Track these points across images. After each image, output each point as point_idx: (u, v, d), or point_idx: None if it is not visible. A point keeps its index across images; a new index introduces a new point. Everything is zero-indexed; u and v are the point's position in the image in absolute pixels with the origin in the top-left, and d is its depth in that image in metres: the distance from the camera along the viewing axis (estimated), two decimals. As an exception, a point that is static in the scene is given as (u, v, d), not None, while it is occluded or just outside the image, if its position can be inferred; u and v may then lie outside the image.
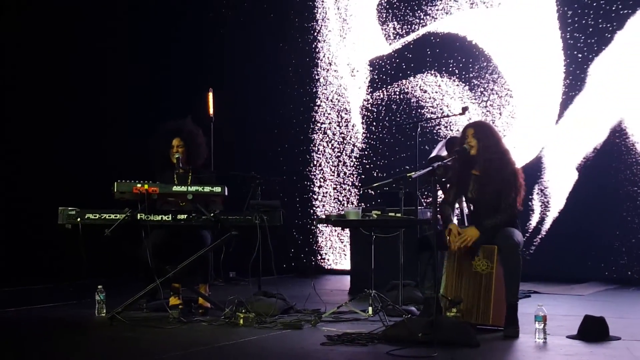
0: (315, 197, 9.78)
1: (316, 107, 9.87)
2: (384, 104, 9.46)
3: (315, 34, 9.92)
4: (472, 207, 5.25)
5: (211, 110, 8.46)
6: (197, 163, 6.25)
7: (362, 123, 9.59)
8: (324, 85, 9.85)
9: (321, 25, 9.90)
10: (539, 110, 8.42)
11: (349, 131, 9.66)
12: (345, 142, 9.67)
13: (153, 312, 5.79)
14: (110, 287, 5.97)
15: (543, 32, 8.45)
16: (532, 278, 7.51)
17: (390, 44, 9.36)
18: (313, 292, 6.23)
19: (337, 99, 9.76)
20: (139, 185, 5.48)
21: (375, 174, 9.16)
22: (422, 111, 9.00)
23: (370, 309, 5.54)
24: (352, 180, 9.57)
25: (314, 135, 9.87)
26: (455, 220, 5.24)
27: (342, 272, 9.02)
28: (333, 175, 9.68)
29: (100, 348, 4.70)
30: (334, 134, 9.76)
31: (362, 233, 6.17)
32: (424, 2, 9.16)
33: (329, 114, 9.80)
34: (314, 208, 9.74)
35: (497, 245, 4.91)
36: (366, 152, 9.51)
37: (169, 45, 10.15)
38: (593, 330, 4.62)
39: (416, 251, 5.20)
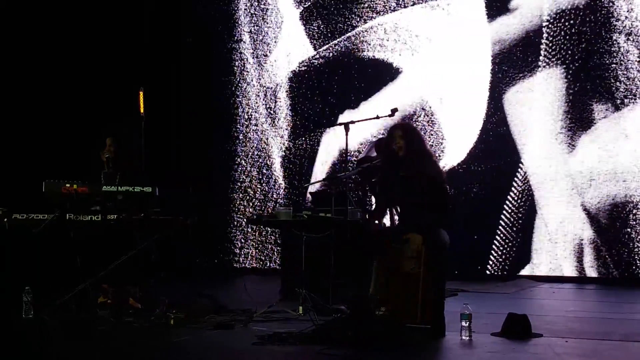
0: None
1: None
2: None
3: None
4: (399, 209, 5.33)
5: (142, 109, 8.33)
6: (125, 163, 6.22)
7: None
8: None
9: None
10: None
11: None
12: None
13: (82, 313, 5.71)
14: (38, 288, 5.85)
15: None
16: (459, 277, 7.69)
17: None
18: (244, 292, 6.25)
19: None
20: (67, 184, 5.41)
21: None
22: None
23: (301, 308, 5.59)
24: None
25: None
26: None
27: (273, 272, 9.03)
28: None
29: (27, 350, 4.62)
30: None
31: (293, 233, 6.21)
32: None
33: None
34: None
35: (424, 245, 5.01)
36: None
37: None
38: (516, 328, 4.75)
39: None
